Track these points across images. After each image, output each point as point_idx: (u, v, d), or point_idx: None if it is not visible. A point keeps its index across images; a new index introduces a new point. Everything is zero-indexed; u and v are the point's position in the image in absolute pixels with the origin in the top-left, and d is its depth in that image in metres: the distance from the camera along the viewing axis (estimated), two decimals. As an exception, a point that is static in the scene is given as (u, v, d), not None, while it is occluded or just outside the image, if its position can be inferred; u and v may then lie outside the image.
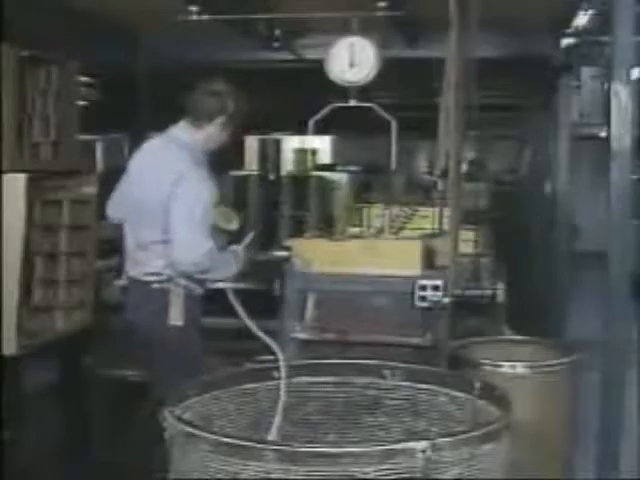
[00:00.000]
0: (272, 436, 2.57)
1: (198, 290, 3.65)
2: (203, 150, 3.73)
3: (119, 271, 4.71)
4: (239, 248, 3.73)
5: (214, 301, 3.63)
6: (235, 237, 3.78)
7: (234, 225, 3.69)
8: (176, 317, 3.55)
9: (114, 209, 3.94)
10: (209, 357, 3.81)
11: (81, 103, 5.37)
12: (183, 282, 3.57)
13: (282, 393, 2.65)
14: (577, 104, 7.02)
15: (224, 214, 3.68)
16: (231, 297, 3.34)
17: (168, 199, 3.49)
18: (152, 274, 3.61)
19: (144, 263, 3.64)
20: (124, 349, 4.30)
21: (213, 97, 3.66)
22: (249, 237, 3.80)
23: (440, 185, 4.14)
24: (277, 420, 2.61)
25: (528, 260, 8.57)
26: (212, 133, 3.69)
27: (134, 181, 3.76)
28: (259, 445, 2.08)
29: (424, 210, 4.84)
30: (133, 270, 3.73)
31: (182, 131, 3.71)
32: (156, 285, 3.60)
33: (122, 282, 3.90)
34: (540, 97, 8.60)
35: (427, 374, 2.71)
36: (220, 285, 3.59)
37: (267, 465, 2.01)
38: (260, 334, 3.04)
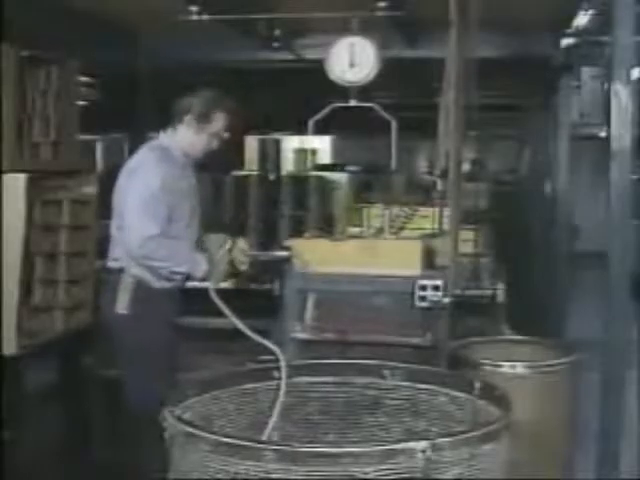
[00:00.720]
0: (265, 436, 2.57)
1: (154, 282, 3.66)
2: (190, 153, 3.81)
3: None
4: (217, 255, 3.73)
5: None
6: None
7: (242, 266, 3.73)
8: (123, 305, 3.62)
9: None
10: (211, 356, 3.83)
11: (81, 103, 5.38)
12: (133, 271, 3.63)
13: (281, 394, 2.65)
14: (577, 104, 7.01)
15: (241, 251, 3.74)
16: (213, 296, 3.33)
17: (126, 189, 3.64)
18: (111, 260, 3.74)
19: (109, 250, 3.79)
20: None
21: (182, 98, 3.79)
22: (226, 246, 3.79)
23: (440, 185, 4.13)
24: (272, 421, 2.61)
25: (528, 260, 8.58)
26: (185, 133, 3.77)
27: None
28: (259, 445, 2.08)
29: (424, 210, 4.83)
30: None
31: (165, 135, 3.83)
32: (114, 273, 3.69)
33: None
34: (540, 97, 8.61)
35: (427, 374, 2.71)
36: (195, 284, 3.62)
37: (267, 465, 2.01)
38: (248, 332, 3.03)
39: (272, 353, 2.78)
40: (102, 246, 4.86)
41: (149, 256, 3.56)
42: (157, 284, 3.66)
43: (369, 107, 4.72)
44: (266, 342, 2.88)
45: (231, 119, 3.82)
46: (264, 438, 2.54)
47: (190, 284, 3.78)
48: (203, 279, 3.62)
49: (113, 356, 3.81)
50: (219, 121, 3.78)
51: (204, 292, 3.73)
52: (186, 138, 3.78)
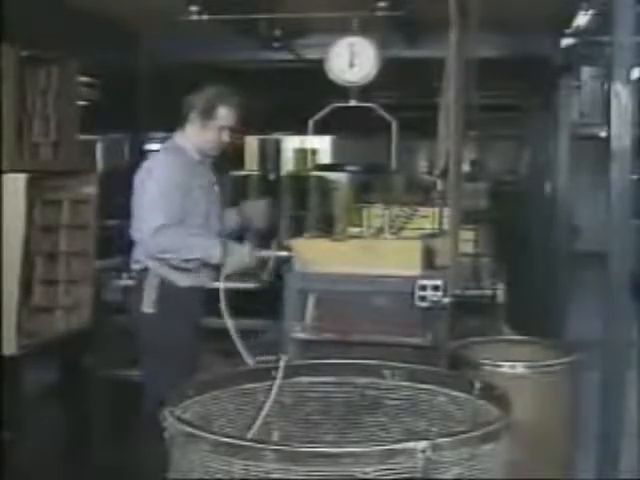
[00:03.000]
0: (251, 435, 2.57)
1: (180, 281, 3.72)
2: (202, 149, 3.89)
3: (120, 271, 4.77)
4: (245, 247, 3.81)
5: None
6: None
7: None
8: (148, 304, 3.69)
9: None
10: (220, 356, 3.88)
11: (81, 103, 5.38)
12: (158, 270, 3.69)
13: (272, 393, 2.65)
14: (577, 104, 7.01)
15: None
16: (221, 294, 3.43)
17: (141, 191, 3.73)
18: (134, 262, 3.82)
19: (132, 252, 3.86)
20: (124, 348, 4.33)
21: (188, 97, 3.87)
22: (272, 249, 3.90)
23: (440, 185, 4.14)
24: (259, 420, 2.62)
25: (528, 260, 8.57)
26: (192, 130, 3.86)
27: None
28: (259, 445, 2.08)
29: (424, 210, 4.83)
30: None
31: (178, 134, 3.91)
32: (139, 274, 3.77)
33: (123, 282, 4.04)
34: (540, 97, 8.60)
35: (427, 374, 2.71)
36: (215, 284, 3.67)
37: (267, 465, 2.01)
38: (235, 338, 3.11)
39: (277, 353, 2.81)
40: (102, 246, 4.89)
41: (160, 247, 3.62)
42: (182, 283, 3.71)
43: (369, 107, 4.71)
44: (246, 356, 2.96)
45: (238, 115, 3.88)
46: (249, 436, 2.54)
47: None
48: (218, 266, 3.66)
49: (137, 354, 3.87)
50: (223, 116, 3.83)
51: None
52: (194, 135, 3.85)
